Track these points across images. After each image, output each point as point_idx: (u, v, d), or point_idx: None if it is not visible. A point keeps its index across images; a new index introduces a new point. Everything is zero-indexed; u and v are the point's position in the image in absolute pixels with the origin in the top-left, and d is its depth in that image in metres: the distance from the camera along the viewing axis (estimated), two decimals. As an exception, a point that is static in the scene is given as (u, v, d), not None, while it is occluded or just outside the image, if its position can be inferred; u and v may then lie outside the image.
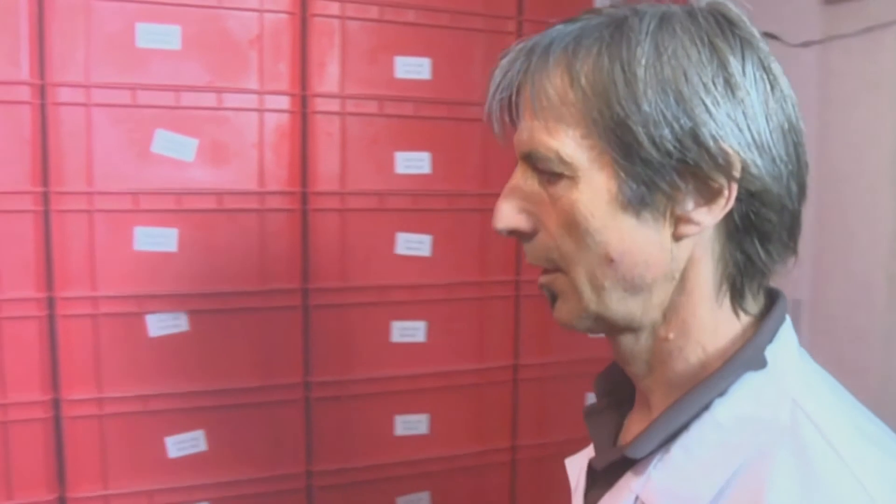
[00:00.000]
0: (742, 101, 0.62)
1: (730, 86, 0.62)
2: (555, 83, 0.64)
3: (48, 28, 1.39)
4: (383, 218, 1.59)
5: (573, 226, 0.65)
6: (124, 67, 1.44)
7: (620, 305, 0.66)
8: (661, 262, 0.64)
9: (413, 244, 1.60)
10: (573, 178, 0.64)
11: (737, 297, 0.66)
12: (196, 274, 1.49)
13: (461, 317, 1.66)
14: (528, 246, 0.69)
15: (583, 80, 0.63)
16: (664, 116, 0.61)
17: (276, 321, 1.55)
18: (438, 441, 1.67)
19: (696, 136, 0.61)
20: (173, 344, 1.49)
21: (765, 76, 0.63)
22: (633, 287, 0.65)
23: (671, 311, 0.66)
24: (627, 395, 0.77)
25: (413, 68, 1.58)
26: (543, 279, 0.69)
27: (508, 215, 0.68)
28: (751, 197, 0.63)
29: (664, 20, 0.63)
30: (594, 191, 0.64)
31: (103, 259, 1.44)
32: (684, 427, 0.64)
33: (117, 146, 1.44)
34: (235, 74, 1.50)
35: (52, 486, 1.44)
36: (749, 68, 0.62)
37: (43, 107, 1.40)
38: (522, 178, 0.68)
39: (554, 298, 0.69)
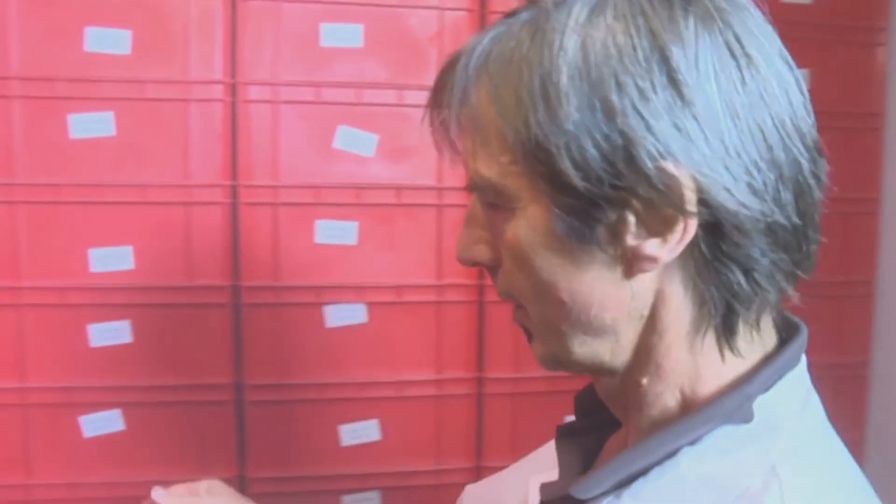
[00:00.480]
0: (692, 102, 0.48)
1: (675, 85, 0.49)
2: (477, 100, 0.54)
3: (240, 30, 1.46)
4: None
5: (520, 263, 0.56)
6: (309, 66, 1.49)
7: (584, 349, 0.57)
8: (620, 301, 0.54)
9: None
10: (511, 210, 0.55)
11: (725, 337, 0.54)
12: (374, 266, 1.52)
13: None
14: (494, 279, 0.60)
15: (501, 97, 0.53)
16: (590, 135, 0.49)
17: (451, 315, 1.56)
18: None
19: (629, 157, 0.49)
20: (350, 334, 1.53)
21: (732, 62, 0.50)
22: (594, 330, 0.55)
23: (643, 354, 0.56)
24: (611, 417, 0.66)
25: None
26: (516, 315, 0.61)
27: (467, 246, 0.60)
28: (717, 222, 0.50)
29: (596, 9, 0.51)
30: (532, 225, 0.54)
31: (285, 251, 1.50)
32: (643, 473, 0.54)
33: (301, 142, 1.49)
34: (415, 71, 1.52)
35: (232, 466, 1.51)
36: (705, 57, 0.49)
37: (234, 104, 1.47)
38: (477, 205, 0.60)
39: (530, 335, 0.61)
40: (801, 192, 0.52)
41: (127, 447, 1.49)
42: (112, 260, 1.46)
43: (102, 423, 1.48)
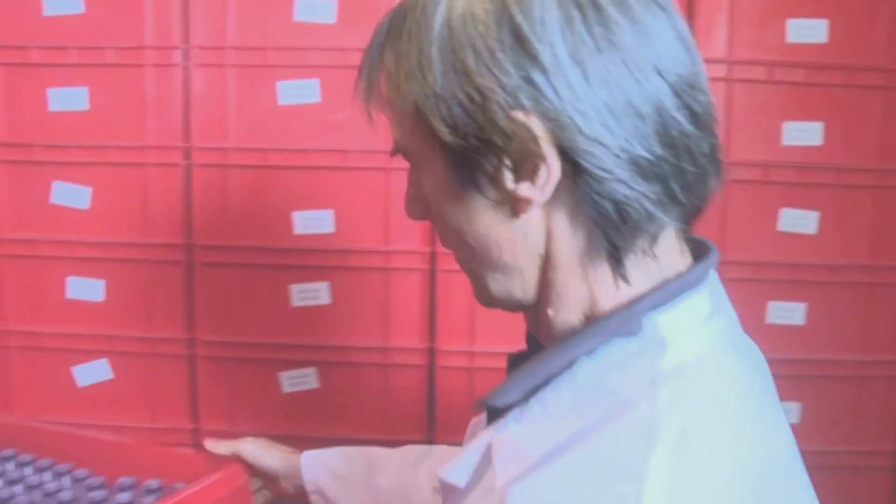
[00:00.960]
0: (537, 56, 0.55)
1: (521, 42, 0.55)
2: (384, 71, 0.63)
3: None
4: (766, 191, 1.48)
5: (434, 215, 0.65)
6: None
7: (498, 286, 0.64)
8: (514, 241, 0.61)
9: (798, 221, 1.48)
10: (420, 168, 0.65)
11: (613, 266, 0.60)
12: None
13: (845, 302, 1.51)
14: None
15: (393, 68, 0.61)
16: (455, 96, 0.57)
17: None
18: (810, 433, 1.55)
19: (485, 111, 0.56)
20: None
21: (577, 14, 0.55)
22: (500, 269, 0.63)
23: (546, 288, 0.63)
24: None
25: (807, 31, 1.46)
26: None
27: (407, 205, 0.69)
28: (577, 162, 0.56)
29: None
30: (434, 179, 0.63)
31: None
32: (546, 382, 0.60)
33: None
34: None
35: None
36: (550, 13, 0.55)
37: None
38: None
39: None
40: (663, 125, 0.57)
41: (320, 404, 1.55)
42: (314, 223, 1.51)
43: (298, 379, 1.54)
